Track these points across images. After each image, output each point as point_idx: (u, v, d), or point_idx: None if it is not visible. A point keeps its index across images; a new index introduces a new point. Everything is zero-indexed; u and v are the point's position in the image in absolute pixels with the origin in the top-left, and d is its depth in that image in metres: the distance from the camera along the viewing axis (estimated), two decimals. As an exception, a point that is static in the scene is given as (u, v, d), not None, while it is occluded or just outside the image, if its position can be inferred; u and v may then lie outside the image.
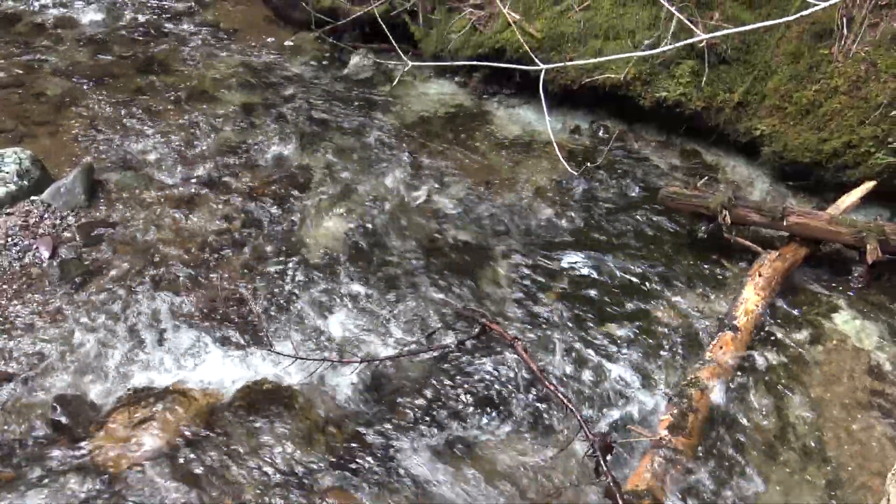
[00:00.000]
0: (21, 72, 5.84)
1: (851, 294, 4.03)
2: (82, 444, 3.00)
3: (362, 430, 3.20)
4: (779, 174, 4.90)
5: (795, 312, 3.92)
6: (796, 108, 4.63)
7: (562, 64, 3.16)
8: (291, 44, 6.84)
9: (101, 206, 4.36)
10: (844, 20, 4.50)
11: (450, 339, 3.64)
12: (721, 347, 3.49)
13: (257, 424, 3.14)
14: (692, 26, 3.24)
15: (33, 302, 3.67)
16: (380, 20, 5.59)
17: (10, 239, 3.97)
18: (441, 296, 3.95)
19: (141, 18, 7.15)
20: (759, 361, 3.61)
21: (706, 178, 4.49)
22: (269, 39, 6.93)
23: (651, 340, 3.72)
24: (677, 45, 2.89)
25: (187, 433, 3.06)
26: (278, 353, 3.41)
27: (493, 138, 5.44)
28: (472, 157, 5.19)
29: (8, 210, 4.17)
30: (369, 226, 4.41)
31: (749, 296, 3.77)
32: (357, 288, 3.96)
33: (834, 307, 3.96)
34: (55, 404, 3.13)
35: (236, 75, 6.11)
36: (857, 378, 3.56)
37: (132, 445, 2.99)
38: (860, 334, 3.79)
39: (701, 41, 4.58)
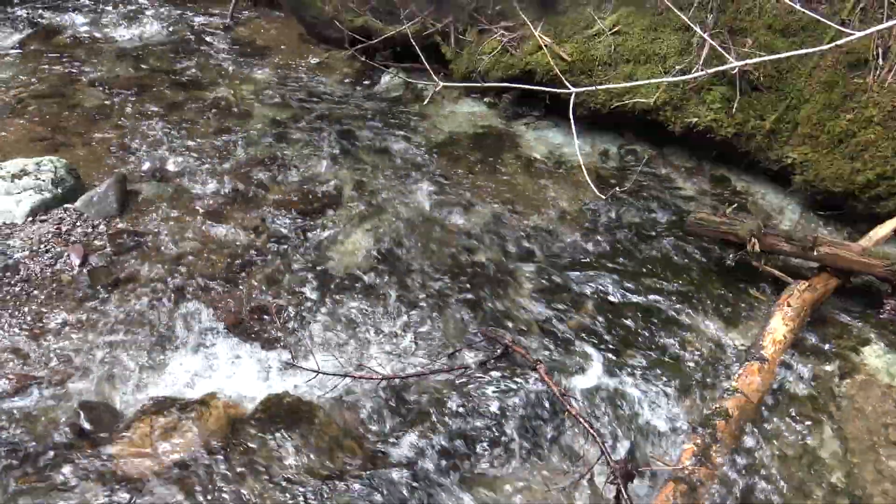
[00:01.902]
0: (59, 83, 5.98)
1: (882, 328, 3.94)
2: (104, 450, 3.02)
3: (381, 447, 3.19)
4: (810, 203, 4.85)
5: (824, 344, 3.85)
6: (829, 138, 4.58)
7: (592, 87, 3.17)
8: (323, 61, 6.92)
9: (133, 215, 4.42)
10: (880, 50, 4.45)
11: (472, 359, 3.63)
12: (747, 377, 3.43)
13: (277, 438, 3.14)
14: (724, 53, 3.23)
15: (62, 308, 3.72)
16: (412, 40, 5.65)
17: (42, 246, 4.04)
18: (464, 315, 3.94)
19: (177, 34, 7.30)
20: (787, 393, 3.55)
21: (735, 205, 4.45)
22: (301, 57, 7.03)
23: (676, 368, 3.68)
24: (709, 71, 2.88)
25: (208, 444, 3.07)
26: (300, 368, 3.42)
27: (520, 160, 5.44)
28: (499, 178, 5.19)
29: (42, 217, 4.26)
30: (395, 243, 4.43)
31: (777, 326, 3.71)
32: (380, 305, 3.97)
33: (864, 340, 3.88)
34: (80, 410, 3.16)
35: (268, 91, 6.20)
36: (887, 414, 3.47)
37: (153, 454, 3.00)
38: (891, 369, 3.71)
39: (733, 68, 4.56)
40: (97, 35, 7.07)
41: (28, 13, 7.37)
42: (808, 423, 3.42)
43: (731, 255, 4.32)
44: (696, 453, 3.03)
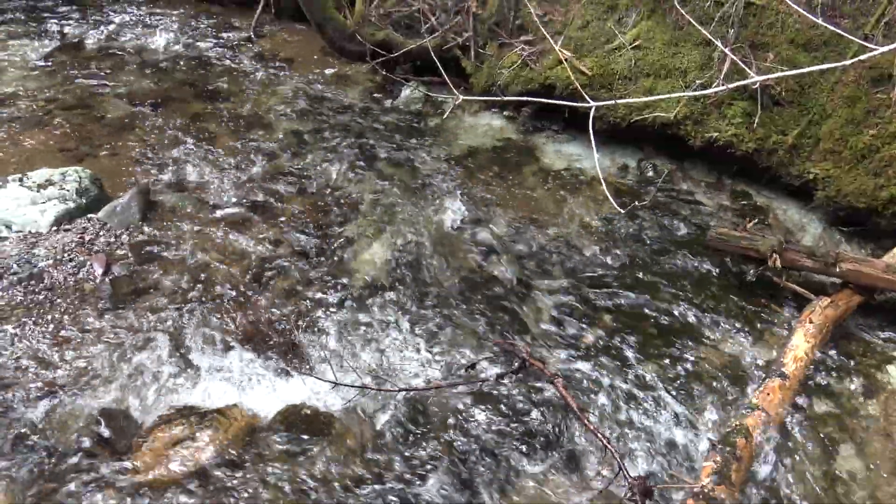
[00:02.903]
0: (85, 95, 6.07)
1: (907, 345, 3.89)
2: (123, 458, 3.05)
3: (397, 459, 3.18)
4: (832, 219, 4.80)
5: (847, 362, 3.80)
6: (852, 153, 4.54)
7: (612, 102, 3.17)
8: (344, 74, 6.98)
9: (155, 226, 4.47)
10: (904, 65, 4.42)
11: (489, 373, 3.62)
12: (768, 394, 3.40)
13: (294, 448, 3.15)
14: (746, 67, 3.20)
15: (84, 317, 3.76)
16: (432, 54, 5.69)
17: (66, 255, 4.10)
18: (482, 328, 3.93)
19: (201, 47, 7.39)
20: (808, 411, 3.51)
21: (756, 220, 4.42)
22: (323, 70, 7.09)
23: (695, 384, 3.64)
24: (730, 86, 2.86)
25: (226, 453, 3.09)
26: (318, 378, 3.43)
27: (539, 173, 5.44)
28: (518, 191, 5.20)
29: (66, 226, 4.31)
30: (413, 255, 4.44)
31: (799, 342, 3.67)
32: (398, 317, 3.97)
33: (888, 358, 3.83)
34: (99, 418, 3.19)
35: (290, 103, 6.25)
36: (912, 433, 3.42)
37: (171, 462, 3.02)
38: (916, 388, 3.66)
39: (755, 83, 4.54)
40: (123, 48, 7.17)
41: (56, 26, 7.50)
42: (831, 441, 3.37)
43: (751, 271, 4.28)
44: (716, 471, 2.99)
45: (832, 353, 3.83)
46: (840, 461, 3.29)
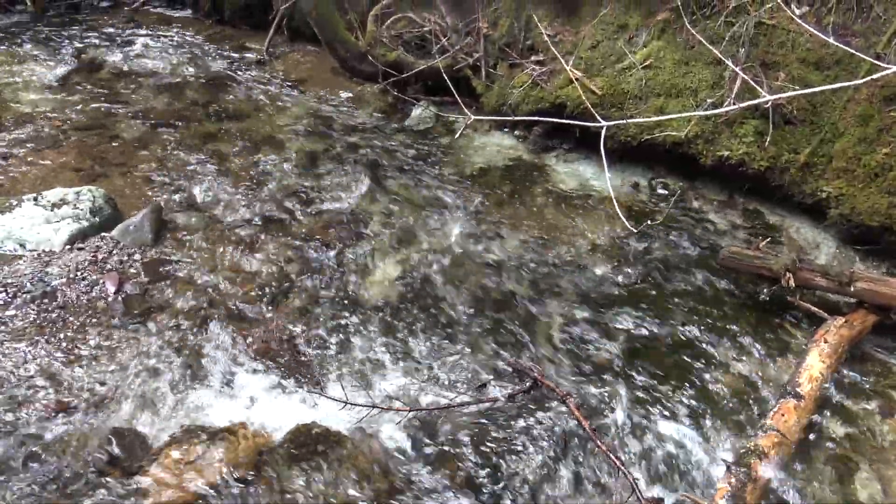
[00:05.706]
0: (100, 115, 6.14)
1: (924, 366, 3.84)
2: (134, 478, 3.04)
3: (408, 480, 3.16)
4: (846, 237, 4.77)
5: (863, 382, 3.75)
6: (865, 171, 4.52)
7: (623, 121, 3.18)
8: (356, 95, 7.03)
9: (167, 245, 4.50)
10: (916, 84, 4.40)
11: (500, 392, 3.60)
12: (783, 415, 3.35)
13: (305, 468, 3.13)
14: (757, 86, 3.22)
15: (97, 335, 3.77)
16: (443, 74, 5.73)
17: (79, 273, 4.12)
18: (493, 348, 3.92)
19: (214, 68, 7.48)
20: (824, 432, 3.46)
21: (769, 238, 4.40)
22: (334, 90, 7.15)
23: (708, 404, 3.61)
24: (742, 105, 2.87)
25: (236, 473, 3.07)
26: (329, 398, 3.42)
27: (550, 192, 5.44)
28: (529, 211, 5.20)
29: (79, 245, 4.35)
30: (424, 275, 4.44)
31: (813, 363, 3.62)
32: (409, 336, 3.96)
33: (905, 379, 3.78)
34: (111, 437, 3.19)
35: (302, 123, 6.30)
36: (931, 456, 3.37)
37: (182, 482, 3.01)
38: (934, 409, 3.60)
39: (766, 101, 4.53)
40: (137, 69, 7.27)
41: (72, 48, 7.62)
42: (847, 463, 3.32)
43: (765, 290, 4.25)
44: (730, 493, 2.95)
45: (848, 373, 3.79)
46: (856, 484, 3.24)
